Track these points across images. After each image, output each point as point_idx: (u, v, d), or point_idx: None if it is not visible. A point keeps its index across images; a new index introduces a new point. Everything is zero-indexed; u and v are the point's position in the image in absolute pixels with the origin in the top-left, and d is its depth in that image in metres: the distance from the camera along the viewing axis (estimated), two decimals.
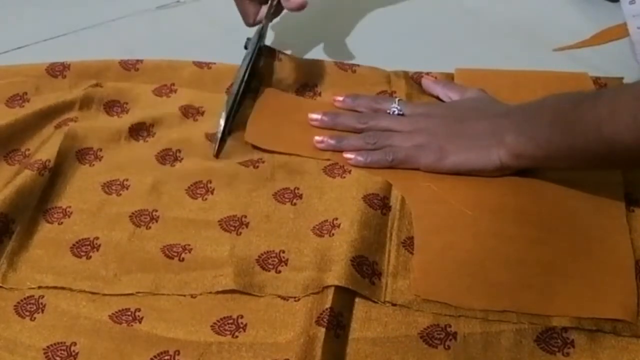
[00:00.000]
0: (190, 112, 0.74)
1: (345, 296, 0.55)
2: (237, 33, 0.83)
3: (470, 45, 0.83)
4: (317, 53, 0.82)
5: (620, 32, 0.82)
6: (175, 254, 0.59)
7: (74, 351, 0.53)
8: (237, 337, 0.53)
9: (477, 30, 0.85)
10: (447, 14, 0.89)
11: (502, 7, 0.89)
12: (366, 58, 0.80)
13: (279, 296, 0.56)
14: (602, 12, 0.86)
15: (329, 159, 0.67)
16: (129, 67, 0.79)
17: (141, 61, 0.80)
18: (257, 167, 0.67)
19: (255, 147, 0.69)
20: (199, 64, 0.79)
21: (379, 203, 0.62)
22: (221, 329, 0.54)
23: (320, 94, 0.76)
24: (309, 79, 0.77)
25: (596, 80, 0.74)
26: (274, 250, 0.59)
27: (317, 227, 0.61)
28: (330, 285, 0.54)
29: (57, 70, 0.78)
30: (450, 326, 0.53)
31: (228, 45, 0.85)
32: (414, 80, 0.76)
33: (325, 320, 0.52)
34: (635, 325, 0.53)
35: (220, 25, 0.89)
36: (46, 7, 0.93)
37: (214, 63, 0.79)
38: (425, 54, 0.82)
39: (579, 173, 0.63)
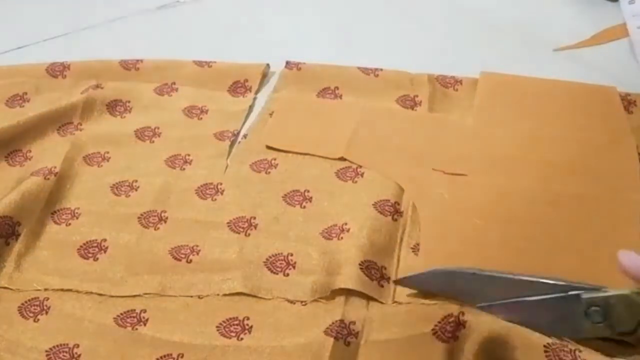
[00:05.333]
0: (194, 112, 0.74)
1: (356, 304, 0.54)
2: (237, 33, 0.83)
3: (470, 45, 0.83)
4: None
5: (620, 32, 0.82)
6: (183, 255, 0.59)
7: (76, 353, 0.53)
8: (242, 339, 0.53)
9: (477, 30, 0.85)
10: (447, 14, 0.89)
11: (502, 7, 0.89)
12: (361, 59, 0.80)
13: (287, 299, 0.55)
14: (602, 12, 0.86)
15: (342, 159, 0.67)
16: (129, 66, 0.79)
17: (141, 61, 0.80)
18: (269, 172, 0.67)
19: (270, 148, 0.69)
20: (200, 63, 0.79)
21: (390, 209, 0.62)
22: (227, 330, 0.54)
23: (341, 97, 0.75)
24: (330, 82, 0.76)
25: (625, 96, 0.72)
26: (282, 253, 0.59)
27: (326, 230, 0.61)
28: (339, 291, 0.54)
29: (57, 70, 0.78)
30: (463, 314, 0.52)
31: (228, 45, 0.85)
32: (439, 83, 0.75)
33: (334, 331, 0.52)
34: None
35: (220, 25, 0.89)
36: (46, 7, 0.93)
37: (215, 62, 0.80)
38: (425, 55, 0.82)
39: (597, 188, 0.62)
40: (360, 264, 0.56)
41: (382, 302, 0.54)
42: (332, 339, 0.51)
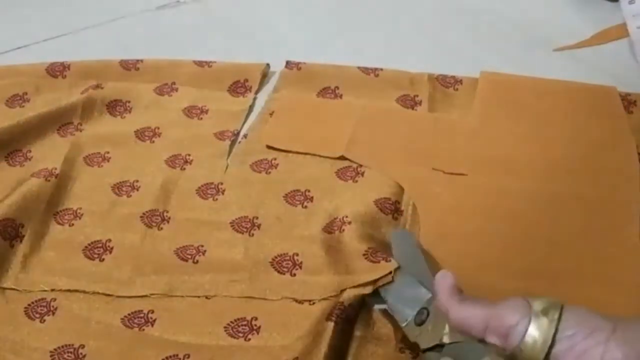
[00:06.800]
0: (194, 112, 0.74)
1: (357, 294, 0.54)
2: (237, 33, 0.83)
3: (470, 45, 0.83)
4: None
5: (620, 32, 0.82)
6: (189, 256, 0.59)
7: (81, 354, 0.53)
8: (249, 340, 0.53)
9: (477, 30, 0.86)
10: (447, 14, 0.89)
11: (502, 7, 0.89)
12: (361, 59, 0.80)
13: (295, 299, 0.55)
14: (602, 12, 0.86)
15: (343, 159, 0.67)
16: (129, 66, 0.79)
17: (141, 61, 0.80)
18: (270, 172, 0.67)
19: (270, 148, 0.69)
20: (200, 63, 0.79)
21: (391, 207, 0.62)
22: (234, 330, 0.54)
23: (341, 97, 0.76)
24: (330, 82, 0.77)
25: (625, 96, 0.72)
26: (287, 253, 0.59)
27: (328, 225, 0.60)
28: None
29: (57, 70, 0.78)
30: None
31: (228, 45, 0.85)
32: (439, 82, 0.75)
33: (334, 315, 0.52)
34: None
35: (220, 25, 0.89)
36: (46, 7, 0.93)
37: (215, 62, 0.80)
38: (425, 55, 0.82)
39: (597, 188, 0.63)
40: (364, 253, 0.56)
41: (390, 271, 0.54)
42: (332, 324, 0.51)
